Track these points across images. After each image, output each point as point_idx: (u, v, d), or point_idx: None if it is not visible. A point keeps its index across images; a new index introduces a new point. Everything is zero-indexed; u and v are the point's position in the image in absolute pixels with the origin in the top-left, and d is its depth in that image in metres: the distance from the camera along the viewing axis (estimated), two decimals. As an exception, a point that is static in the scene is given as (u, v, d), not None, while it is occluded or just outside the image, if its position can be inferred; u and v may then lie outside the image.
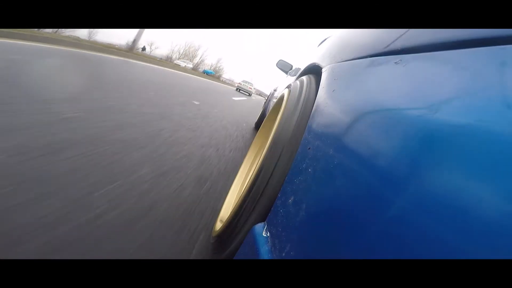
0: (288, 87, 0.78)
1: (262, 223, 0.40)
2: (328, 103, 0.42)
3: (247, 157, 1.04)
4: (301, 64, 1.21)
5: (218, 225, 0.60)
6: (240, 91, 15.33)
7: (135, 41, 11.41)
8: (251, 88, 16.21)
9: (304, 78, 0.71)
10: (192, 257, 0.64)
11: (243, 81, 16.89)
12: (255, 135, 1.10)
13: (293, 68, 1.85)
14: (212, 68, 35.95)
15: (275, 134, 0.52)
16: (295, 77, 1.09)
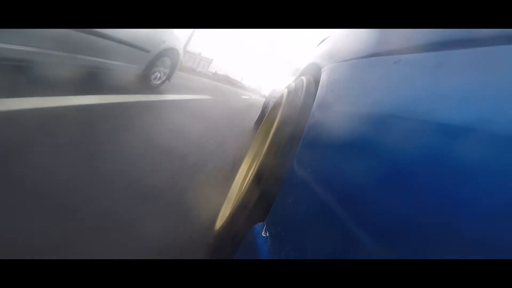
0: (288, 87, 0.77)
1: (262, 223, 0.40)
2: (327, 103, 0.42)
3: (247, 157, 1.04)
4: (301, 63, 1.20)
5: (218, 225, 0.60)
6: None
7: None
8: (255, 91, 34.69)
9: (303, 77, 0.71)
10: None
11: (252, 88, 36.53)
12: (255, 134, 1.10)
13: (293, 68, 1.84)
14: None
15: (274, 133, 0.52)
16: (294, 77, 1.09)
